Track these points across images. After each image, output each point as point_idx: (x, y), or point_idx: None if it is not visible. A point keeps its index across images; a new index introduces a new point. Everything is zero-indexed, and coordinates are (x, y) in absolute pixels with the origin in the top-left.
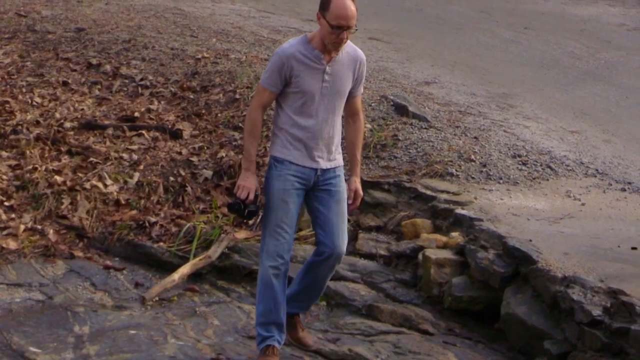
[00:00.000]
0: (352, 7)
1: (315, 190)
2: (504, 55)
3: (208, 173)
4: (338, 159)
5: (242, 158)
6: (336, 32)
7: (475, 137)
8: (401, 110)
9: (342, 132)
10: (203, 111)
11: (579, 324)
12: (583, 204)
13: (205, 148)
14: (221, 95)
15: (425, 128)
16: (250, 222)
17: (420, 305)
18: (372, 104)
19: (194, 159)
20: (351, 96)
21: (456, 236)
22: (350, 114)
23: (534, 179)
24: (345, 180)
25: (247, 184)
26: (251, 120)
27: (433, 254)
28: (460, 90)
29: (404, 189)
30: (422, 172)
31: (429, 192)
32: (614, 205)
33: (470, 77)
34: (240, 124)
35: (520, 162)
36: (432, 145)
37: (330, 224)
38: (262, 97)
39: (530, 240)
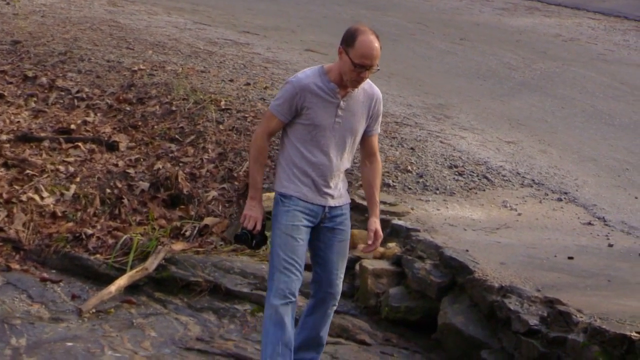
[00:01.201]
0: (377, 46)
1: (320, 227)
2: (440, 66)
3: (145, 185)
4: (345, 196)
5: (249, 186)
6: (358, 70)
7: (411, 148)
8: None
9: (346, 169)
10: (139, 123)
11: (516, 334)
12: (519, 214)
13: (142, 160)
14: (157, 107)
15: None
16: (259, 251)
17: (358, 316)
18: None
19: (131, 170)
20: (367, 135)
21: (393, 247)
22: (367, 155)
23: (470, 189)
24: (352, 221)
25: (254, 214)
26: (257, 148)
27: (370, 264)
28: (397, 101)
29: None
30: (359, 183)
31: (365, 204)
32: (550, 215)
33: (407, 88)
34: (176, 136)
35: (456, 173)
36: None
37: (330, 263)
38: (269, 124)
39: (467, 251)
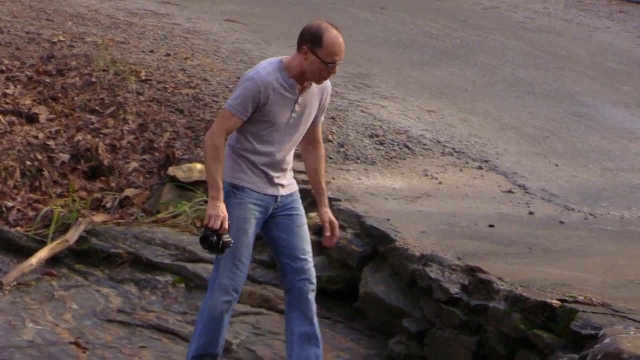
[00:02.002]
0: (342, 40)
1: (273, 217)
2: (361, 35)
3: (65, 157)
4: (294, 184)
5: (209, 186)
6: (330, 67)
7: (332, 118)
8: None
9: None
10: (59, 95)
11: (437, 302)
12: (440, 183)
13: (62, 132)
14: (77, 78)
15: None
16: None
17: (279, 286)
18: (229, 86)
19: (51, 142)
20: (313, 124)
21: (314, 216)
22: (310, 142)
23: (391, 158)
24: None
25: (219, 213)
26: (214, 147)
27: None
28: None
29: None
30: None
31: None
32: (470, 184)
33: None
34: (97, 107)
35: (377, 142)
36: None
37: (295, 249)
38: (227, 123)
39: (388, 220)
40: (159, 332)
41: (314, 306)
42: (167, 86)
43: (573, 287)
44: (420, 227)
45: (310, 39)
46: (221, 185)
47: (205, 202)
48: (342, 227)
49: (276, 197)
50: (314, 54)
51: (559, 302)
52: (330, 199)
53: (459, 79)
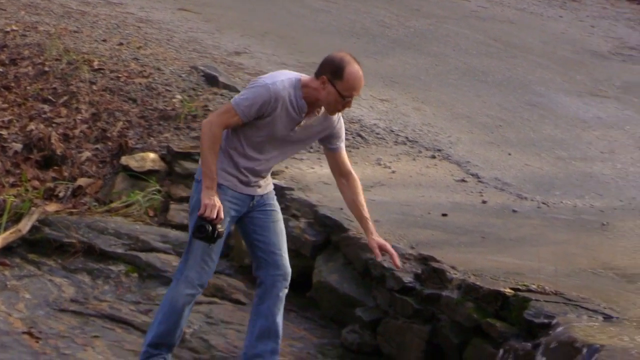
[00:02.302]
0: (362, 75)
1: (249, 213)
2: (314, 24)
3: (18, 146)
4: (271, 184)
5: (203, 175)
6: (346, 101)
7: None
8: (211, 80)
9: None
10: (12, 84)
11: (391, 291)
12: (393, 172)
13: (15, 121)
14: (30, 68)
15: None
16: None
17: (233, 275)
18: (182, 75)
19: (4, 132)
20: (332, 152)
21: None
22: (342, 174)
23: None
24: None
25: (215, 202)
26: (212, 137)
27: None
28: (271, 60)
29: None
30: None
31: None
32: (424, 173)
33: (281, 47)
34: (49, 97)
35: None
36: None
37: (270, 245)
38: (228, 119)
39: (342, 209)
40: (112, 321)
41: (282, 304)
42: (120, 75)
43: (526, 276)
44: (374, 216)
45: (331, 71)
46: (216, 175)
47: (158, 191)
48: (295, 217)
49: (253, 196)
50: (333, 85)
51: (512, 291)
52: (283, 188)
53: (412, 68)
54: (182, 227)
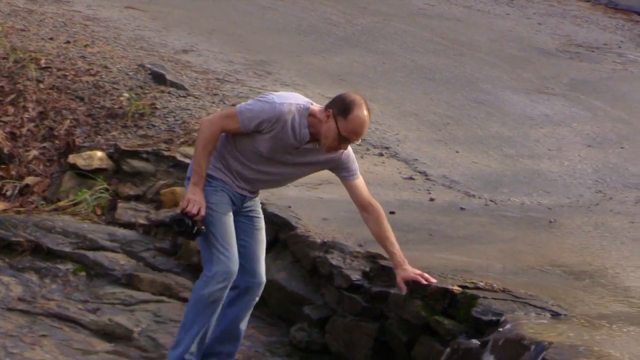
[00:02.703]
0: (368, 123)
1: (236, 215)
2: (261, 22)
3: None
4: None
5: (193, 172)
6: (343, 142)
7: (233, 105)
8: (159, 79)
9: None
10: None
11: (339, 289)
12: None
13: None
14: None
15: (183, 96)
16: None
17: (180, 274)
18: (130, 73)
19: None
20: (345, 181)
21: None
22: (361, 207)
23: None
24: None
25: (198, 198)
26: (209, 136)
27: None
28: (218, 58)
29: (162, 158)
30: (181, 141)
31: (187, 161)
32: (372, 170)
33: (228, 45)
34: None
35: None
36: (190, 114)
37: (251, 252)
38: (229, 123)
39: (289, 207)
40: (60, 320)
41: (250, 311)
42: (67, 74)
43: (474, 274)
44: (322, 214)
45: (339, 108)
46: (205, 173)
47: (106, 190)
48: None
49: (244, 196)
50: (336, 122)
51: (459, 289)
52: None
53: (359, 65)
54: (129, 226)
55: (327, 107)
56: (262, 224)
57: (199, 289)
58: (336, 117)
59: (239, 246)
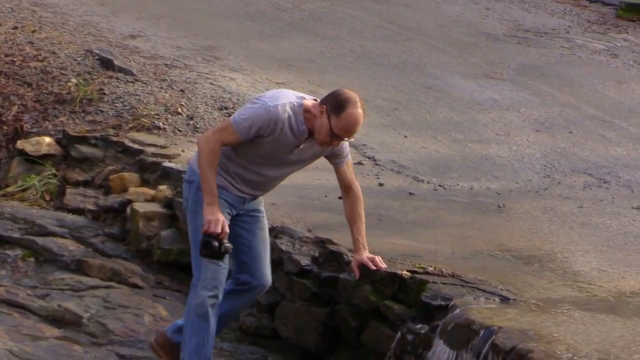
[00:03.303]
0: (361, 121)
1: (239, 216)
2: (209, 7)
3: None
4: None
5: (204, 192)
6: (334, 138)
7: (181, 90)
8: (107, 64)
9: None
10: None
11: (288, 274)
12: None
13: None
14: None
15: (132, 82)
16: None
17: (130, 259)
18: (78, 59)
19: None
20: (336, 167)
21: (164, 189)
22: (343, 188)
23: None
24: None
25: (218, 217)
26: (210, 153)
27: (141, 207)
28: (166, 43)
29: (111, 143)
30: (129, 126)
31: (136, 146)
32: None
33: (176, 30)
34: None
35: (227, 114)
36: (139, 99)
37: (255, 251)
38: (227, 137)
39: None
40: (9, 306)
41: (241, 311)
42: (14, 59)
43: (423, 259)
44: (271, 199)
45: (333, 104)
46: (216, 191)
47: (54, 175)
48: None
49: (244, 198)
50: (329, 118)
51: (409, 274)
52: (180, 172)
53: (307, 51)
54: (78, 211)
55: (322, 102)
56: (264, 223)
57: (189, 300)
58: (329, 113)
59: (243, 246)
